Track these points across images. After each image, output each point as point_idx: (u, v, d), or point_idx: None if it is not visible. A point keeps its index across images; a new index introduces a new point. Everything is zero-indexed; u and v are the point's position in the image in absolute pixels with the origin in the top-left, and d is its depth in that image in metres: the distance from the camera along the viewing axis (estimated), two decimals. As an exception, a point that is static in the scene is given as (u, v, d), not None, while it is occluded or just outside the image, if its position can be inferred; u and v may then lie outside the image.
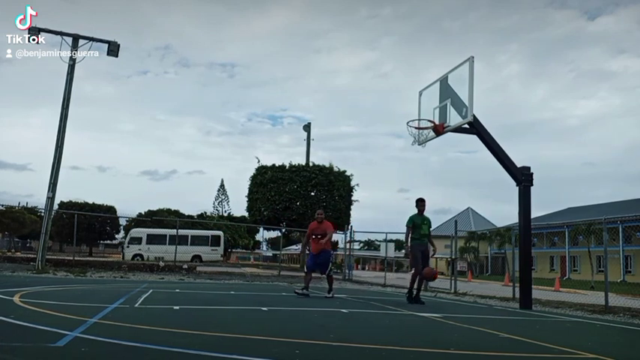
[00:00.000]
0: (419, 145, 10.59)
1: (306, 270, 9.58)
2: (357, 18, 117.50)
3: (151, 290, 8.77)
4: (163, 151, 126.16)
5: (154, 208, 53.44)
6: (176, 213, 48.25)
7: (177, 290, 9.36)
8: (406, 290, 9.18)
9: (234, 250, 54.44)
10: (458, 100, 9.60)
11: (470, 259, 48.64)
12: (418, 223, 8.95)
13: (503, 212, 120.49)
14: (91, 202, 51.18)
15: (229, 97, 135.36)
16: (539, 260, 45.77)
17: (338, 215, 30.57)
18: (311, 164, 32.59)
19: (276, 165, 31.84)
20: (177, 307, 6.18)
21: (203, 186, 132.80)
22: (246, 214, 35.34)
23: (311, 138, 39.68)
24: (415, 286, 8.85)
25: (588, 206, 47.50)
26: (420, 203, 9.07)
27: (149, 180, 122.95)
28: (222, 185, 77.08)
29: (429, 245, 9.08)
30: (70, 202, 48.85)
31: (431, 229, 9.12)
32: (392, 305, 8.28)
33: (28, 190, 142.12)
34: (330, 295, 9.09)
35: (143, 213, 49.06)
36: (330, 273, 9.24)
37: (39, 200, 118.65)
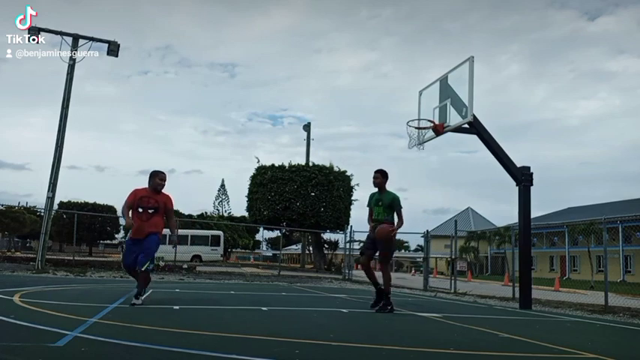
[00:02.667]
0: (419, 144, 10.57)
1: (124, 265, 6.55)
2: (358, 18, 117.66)
3: (150, 290, 8.74)
4: (163, 151, 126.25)
5: (154, 207, 53.42)
6: (176, 213, 48.26)
7: (177, 290, 9.36)
8: (406, 290, 9.11)
9: (234, 250, 54.45)
10: (458, 100, 9.60)
11: (470, 259, 48.61)
12: (372, 204, 6.95)
13: (503, 212, 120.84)
14: (91, 201, 51.27)
15: (230, 97, 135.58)
16: (539, 260, 45.78)
17: (338, 215, 30.56)
18: (311, 164, 32.54)
19: (276, 165, 31.81)
20: (177, 307, 6.18)
21: (203, 186, 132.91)
22: (246, 214, 35.33)
23: (311, 138, 39.75)
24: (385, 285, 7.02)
25: (588, 206, 47.48)
26: (375, 176, 6.83)
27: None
28: (222, 185, 77.20)
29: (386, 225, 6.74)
30: (70, 201, 48.89)
31: (398, 206, 6.72)
32: (392, 305, 8.26)
33: (27, 190, 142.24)
34: (139, 301, 6.02)
35: (143, 213, 49.01)
36: (148, 268, 6.18)
37: (38, 200, 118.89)
